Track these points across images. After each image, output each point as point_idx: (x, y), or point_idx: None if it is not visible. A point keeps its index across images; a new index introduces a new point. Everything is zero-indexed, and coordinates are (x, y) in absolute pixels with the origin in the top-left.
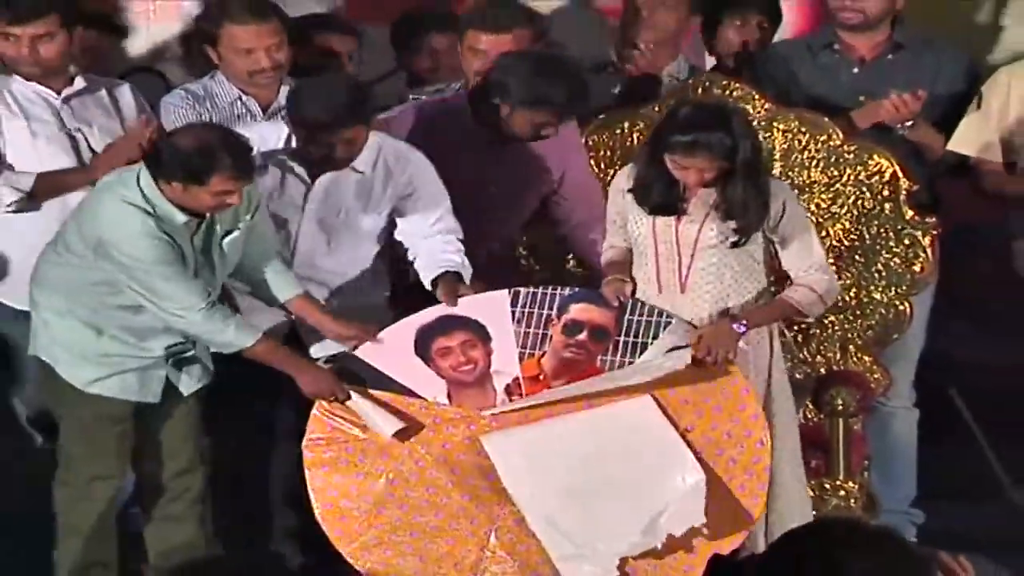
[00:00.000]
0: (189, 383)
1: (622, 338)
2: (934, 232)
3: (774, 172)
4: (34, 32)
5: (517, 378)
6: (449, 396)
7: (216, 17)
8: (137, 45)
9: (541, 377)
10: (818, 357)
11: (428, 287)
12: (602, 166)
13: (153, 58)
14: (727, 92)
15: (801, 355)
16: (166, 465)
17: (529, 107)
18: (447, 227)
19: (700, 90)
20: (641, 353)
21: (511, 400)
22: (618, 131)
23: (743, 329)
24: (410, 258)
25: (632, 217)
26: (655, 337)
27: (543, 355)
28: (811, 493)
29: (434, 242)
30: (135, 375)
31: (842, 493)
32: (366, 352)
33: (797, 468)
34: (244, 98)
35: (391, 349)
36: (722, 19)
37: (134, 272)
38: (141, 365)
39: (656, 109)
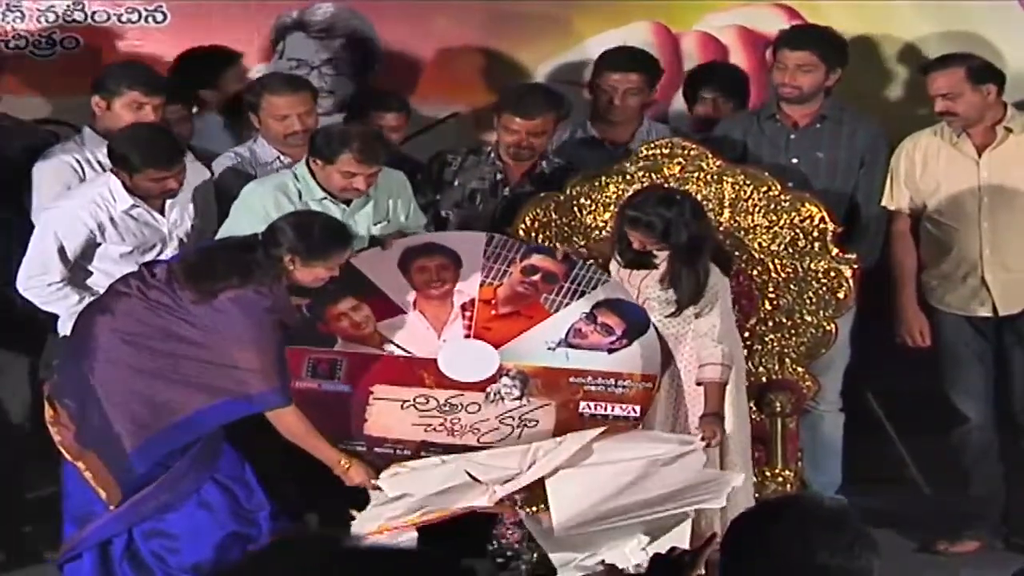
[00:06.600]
0: None
1: (566, 284)
2: (855, 266)
3: (724, 218)
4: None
5: (473, 299)
6: (415, 303)
7: (258, 90)
8: None
9: (492, 302)
10: (760, 368)
11: None
12: (583, 211)
13: None
14: (686, 152)
15: (747, 366)
16: None
17: None
18: None
19: (667, 149)
20: (579, 298)
21: (464, 314)
22: (596, 183)
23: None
24: None
25: (614, 258)
26: (593, 288)
27: (500, 286)
28: (755, 479)
29: None
30: None
31: (780, 479)
32: (359, 261)
33: (747, 458)
34: (282, 157)
35: (381, 261)
36: (696, 96)
37: None
38: None
39: (628, 164)
